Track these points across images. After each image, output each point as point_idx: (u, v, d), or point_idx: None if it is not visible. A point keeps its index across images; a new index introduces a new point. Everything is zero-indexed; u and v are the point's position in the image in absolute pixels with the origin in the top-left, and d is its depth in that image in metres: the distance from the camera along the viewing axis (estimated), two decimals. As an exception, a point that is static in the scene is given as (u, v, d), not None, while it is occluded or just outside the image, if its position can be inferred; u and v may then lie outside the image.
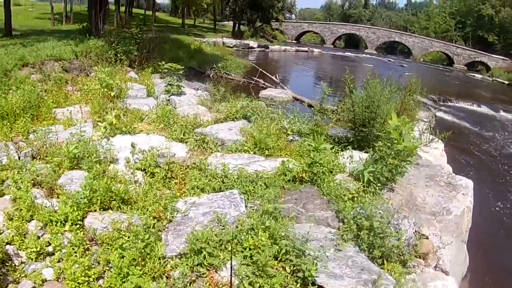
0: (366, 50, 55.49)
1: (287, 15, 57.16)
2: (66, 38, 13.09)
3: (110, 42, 12.04)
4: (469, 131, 15.05)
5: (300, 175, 4.82)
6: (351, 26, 61.18)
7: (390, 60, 44.18)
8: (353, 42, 68.43)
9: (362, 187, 4.55)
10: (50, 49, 10.49)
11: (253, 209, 4.01)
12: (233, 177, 4.62)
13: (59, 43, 11.72)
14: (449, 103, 20.13)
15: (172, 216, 3.79)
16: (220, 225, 3.63)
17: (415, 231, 4.09)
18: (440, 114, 16.04)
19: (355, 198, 4.35)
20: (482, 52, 48.27)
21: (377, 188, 4.53)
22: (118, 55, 11.29)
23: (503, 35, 52.28)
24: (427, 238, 4.15)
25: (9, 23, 15.32)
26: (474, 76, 40.23)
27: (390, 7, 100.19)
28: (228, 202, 4.01)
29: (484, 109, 20.32)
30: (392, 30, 59.37)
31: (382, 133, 5.45)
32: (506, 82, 36.86)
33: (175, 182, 4.58)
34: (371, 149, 5.23)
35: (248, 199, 4.24)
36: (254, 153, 5.57)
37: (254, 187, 4.44)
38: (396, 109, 6.43)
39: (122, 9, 38.39)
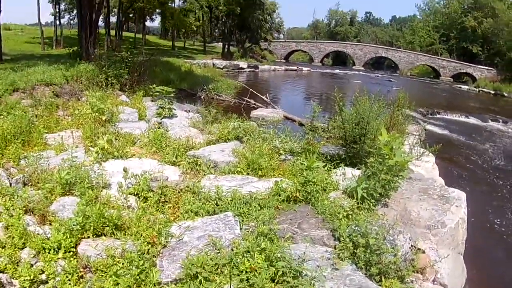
0: (354, 67, 56.58)
1: (276, 35, 58.29)
2: (56, 63, 13.15)
3: (100, 66, 12.12)
4: (459, 142, 15.27)
5: (294, 195, 4.82)
6: (338, 44, 62.56)
7: (378, 76, 45.04)
8: (340, 59, 69.78)
9: (356, 204, 4.56)
10: (40, 74, 10.52)
11: (248, 231, 3.98)
12: (227, 199, 4.60)
13: (50, 68, 11.77)
14: (438, 116, 20.48)
15: (166, 241, 3.75)
16: (216, 249, 3.59)
17: (411, 245, 4.09)
18: (429, 127, 16.29)
19: (350, 216, 4.34)
20: (467, 64, 49.55)
21: (371, 204, 4.55)
22: (109, 79, 11.34)
23: (486, 46, 53.72)
24: (423, 252, 4.15)
25: (-1, 48, 15.36)
26: (460, 87, 41.12)
27: (376, 23, 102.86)
28: (222, 225, 3.98)
29: (472, 120, 20.70)
30: (379, 46, 60.80)
31: (373, 149, 5.51)
32: (492, 92, 37.74)
33: (168, 206, 4.54)
34: (363, 165, 5.27)
35: (242, 221, 4.21)
36: (247, 174, 5.57)
37: (248, 208, 4.42)
38: (386, 125, 6.53)
39: (113, 32, 38.78)
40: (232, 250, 3.59)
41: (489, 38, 51.94)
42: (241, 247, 3.59)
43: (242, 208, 4.42)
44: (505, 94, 36.42)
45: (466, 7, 56.36)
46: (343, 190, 5.03)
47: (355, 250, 3.70)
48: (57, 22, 36.08)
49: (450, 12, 58.08)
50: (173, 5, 47.79)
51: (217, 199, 4.60)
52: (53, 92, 9.83)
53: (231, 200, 4.59)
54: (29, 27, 50.68)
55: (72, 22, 47.43)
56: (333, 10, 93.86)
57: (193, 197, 4.67)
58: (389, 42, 77.24)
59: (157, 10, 48.19)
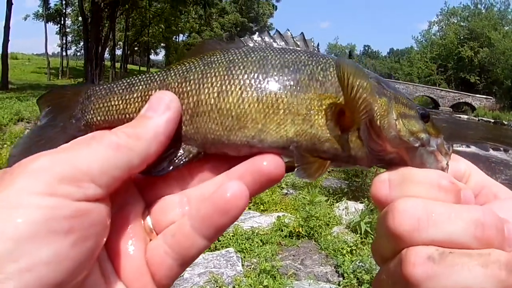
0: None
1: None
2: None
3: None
4: (461, 172, 15.24)
5: (297, 230, 4.79)
6: (338, 76, 63.74)
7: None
8: None
9: (360, 239, 4.51)
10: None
11: (250, 268, 3.93)
12: (229, 235, 4.57)
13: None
14: (439, 145, 20.55)
15: (167, 279, 3.69)
16: (217, 286, 3.55)
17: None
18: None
19: (354, 251, 4.30)
20: (466, 93, 50.24)
21: (375, 239, 4.49)
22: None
23: (484, 75, 54.66)
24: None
25: (5, 77, 15.74)
26: (460, 117, 41.48)
27: (374, 56, 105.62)
28: (224, 261, 3.93)
29: (473, 149, 20.75)
30: (378, 77, 61.95)
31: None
32: (492, 121, 37.98)
33: (170, 242, 4.50)
34: (366, 199, 5.26)
35: (244, 257, 4.16)
36: (249, 208, 5.55)
37: (250, 244, 4.38)
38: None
39: (118, 65, 39.84)
40: (234, 287, 3.54)
41: (486, 67, 53.01)
42: (243, 284, 3.54)
43: (244, 244, 4.38)
44: (505, 123, 36.65)
45: (462, 37, 57.89)
46: (346, 225, 4.99)
47: (359, 287, 3.65)
48: (64, 53, 37.23)
49: (446, 43, 59.61)
50: (177, 39, 49.45)
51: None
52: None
53: (232, 236, 4.55)
54: (36, 57, 52.17)
55: (78, 53, 48.94)
56: (332, 44, 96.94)
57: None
58: (387, 74, 78.89)
59: (162, 44, 49.76)
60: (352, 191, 6.28)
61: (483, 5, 59.00)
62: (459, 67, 58.06)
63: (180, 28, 42.70)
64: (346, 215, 5.23)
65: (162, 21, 37.67)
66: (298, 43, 0.51)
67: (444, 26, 63.09)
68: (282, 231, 4.79)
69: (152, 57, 57.09)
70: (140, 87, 0.49)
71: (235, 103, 0.46)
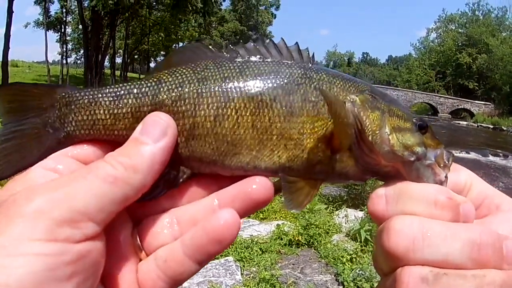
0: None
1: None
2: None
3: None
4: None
5: (296, 238, 4.77)
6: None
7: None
8: None
9: (360, 247, 4.49)
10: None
11: (249, 277, 3.90)
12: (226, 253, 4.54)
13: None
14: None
15: None
16: (216, 296, 3.51)
17: None
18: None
19: (354, 259, 4.28)
20: (464, 99, 50.33)
21: (375, 247, 4.48)
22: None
23: (482, 81, 54.81)
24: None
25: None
26: (459, 123, 41.50)
27: (373, 63, 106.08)
28: (223, 270, 3.90)
29: (472, 155, 20.73)
30: (376, 86, 62.08)
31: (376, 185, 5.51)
32: (491, 127, 37.98)
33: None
34: (365, 207, 5.24)
35: (243, 266, 4.14)
36: (249, 217, 5.53)
37: (249, 253, 4.36)
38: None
39: (118, 73, 39.98)
40: (233, 298, 3.50)
41: (484, 74, 53.16)
42: (242, 294, 3.50)
43: (243, 253, 4.35)
44: (504, 128, 36.66)
45: (460, 44, 58.17)
46: (346, 233, 4.98)
47: (360, 296, 3.61)
48: (64, 61, 37.36)
49: (445, 49, 59.88)
50: (177, 47, 49.57)
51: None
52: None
53: (231, 244, 4.52)
54: (36, 65, 52.35)
55: (78, 61, 49.13)
56: (331, 52, 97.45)
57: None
58: (386, 81, 79.21)
59: (162, 52, 49.98)
60: (351, 198, 6.26)
61: (481, 12, 59.45)
62: (458, 73, 58.23)
63: (180, 37, 42.93)
64: (345, 223, 5.21)
65: (162, 29, 37.90)
66: (293, 54, 0.50)
67: (442, 33, 63.48)
68: (281, 239, 4.77)
69: (152, 65, 57.36)
70: (130, 101, 0.46)
71: (231, 129, 0.45)
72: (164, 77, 0.47)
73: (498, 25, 56.41)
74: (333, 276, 4.09)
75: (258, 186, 0.44)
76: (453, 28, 62.18)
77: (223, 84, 0.46)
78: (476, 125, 39.96)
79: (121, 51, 45.01)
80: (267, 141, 0.45)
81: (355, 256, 4.31)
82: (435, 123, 40.31)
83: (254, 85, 0.46)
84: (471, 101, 49.82)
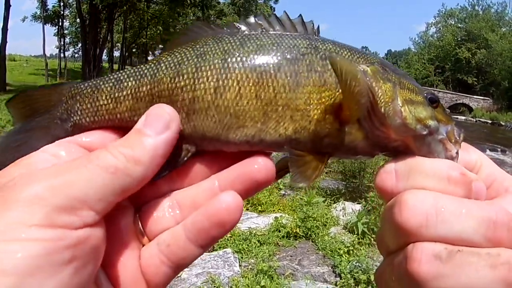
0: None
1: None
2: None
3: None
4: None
5: (294, 231, 4.80)
6: (336, 76, 63.71)
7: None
8: None
9: (357, 239, 4.53)
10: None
11: (247, 268, 3.94)
12: (226, 236, 4.57)
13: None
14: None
15: (164, 279, 3.69)
16: (214, 286, 3.55)
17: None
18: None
19: (351, 251, 4.32)
20: (463, 94, 50.28)
21: (372, 239, 4.52)
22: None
23: (481, 76, 54.77)
24: None
25: (3, 78, 15.73)
26: (457, 118, 41.53)
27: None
28: (221, 262, 3.93)
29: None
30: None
31: (373, 183, 5.54)
32: (490, 122, 38.03)
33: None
34: (363, 200, 5.28)
35: (242, 258, 4.17)
36: (247, 209, 5.56)
37: (247, 245, 4.40)
38: (385, 158, 6.58)
39: (116, 66, 39.78)
40: (231, 287, 3.54)
41: (483, 69, 53.12)
42: (240, 284, 3.55)
43: (242, 245, 4.39)
44: (502, 123, 36.73)
45: (459, 39, 58.03)
46: (343, 225, 5.01)
47: (356, 287, 3.66)
48: (62, 55, 37.18)
49: (444, 44, 59.74)
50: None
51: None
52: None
53: (230, 237, 4.56)
54: (34, 59, 52.04)
55: (76, 55, 48.89)
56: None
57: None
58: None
59: (160, 46, 49.72)
60: (349, 192, 6.30)
61: (481, 7, 59.22)
62: (457, 68, 58.15)
63: (178, 30, 42.72)
64: (343, 216, 5.25)
65: (160, 23, 37.69)
66: (297, 26, 0.48)
67: (441, 28, 63.26)
68: (279, 231, 4.80)
69: (150, 58, 57.10)
70: (130, 83, 0.46)
71: (233, 100, 0.44)
72: (163, 58, 0.47)
73: (498, 20, 56.24)
74: (330, 268, 4.13)
75: (259, 166, 0.43)
76: (453, 23, 61.95)
77: (223, 56, 0.45)
78: (474, 120, 40.02)
79: (119, 44, 44.77)
80: (272, 112, 0.44)
81: (352, 248, 4.35)
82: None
83: (256, 56, 0.45)
84: (470, 96, 49.81)
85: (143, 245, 0.43)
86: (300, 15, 0.49)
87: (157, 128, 0.40)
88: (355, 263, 3.89)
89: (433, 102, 0.46)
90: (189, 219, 0.42)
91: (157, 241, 0.43)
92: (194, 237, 0.41)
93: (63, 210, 0.33)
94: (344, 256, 4.19)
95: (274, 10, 73.95)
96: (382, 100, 0.43)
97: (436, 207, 0.36)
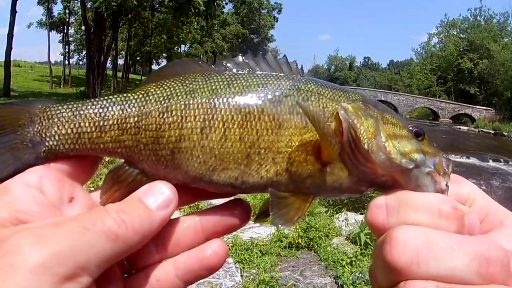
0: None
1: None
2: (63, 102, 13.52)
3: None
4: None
5: (296, 241, 4.78)
6: (338, 87, 63.81)
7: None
8: None
9: (359, 250, 4.50)
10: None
11: (249, 279, 3.91)
12: (228, 245, 4.55)
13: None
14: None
15: (165, 289, 3.67)
16: (216, 297, 3.51)
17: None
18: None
19: (353, 262, 4.28)
20: (466, 105, 50.29)
21: (375, 250, 4.49)
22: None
23: (483, 86, 54.77)
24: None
25: (8, 84, 15.85)
26: (460, 128, 41.44)
27: (374, 68, 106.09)
28: (223, 272, 3.90)
29: (473, 160, 20.71)
30: (378, 90, 62.06)
31: (375, 193, 5.52)
32: (492, 132, 37.91)
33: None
34: (366, 210, 5.26)
35: (243, 268, 4.14)
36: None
37: (249, 255, 4.37)
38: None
39: (119, 74, 40.06)
40: (233, 299, 3.51)
41: (485, 79, 53.15)
42: (242, 296, 3.51)
43: (243, 255, 4.36)
44: (505, 134, 36.60)
45: (461, 49, 58.19)
46: (346, 236, 4.98)
47: (359, 300, 3.62)
48: (66, 62, 37.52)
49: (446, 54, 59.91)
50: (179, 50, 49.76)
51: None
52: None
53: (232, 246, 4.53)
54: (39, 65, 52.45)
55: (81, 62, 49.29)
56: (333, 56, 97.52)
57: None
58: (387, 86, 79.16)
59: (164, 54, 50.10)
60: (352, 202, 6.27)
61: (483, 17, 59.53)
62: (459, 78, 58.21)
63: (182, 39, 43.05)
64: (345, 226, 5.22)
65: (164, 31, 38.00)
66: (282, 66, 0.49)
67: (443, 38, 63.55)
68: (281, 242, 4.78)
69: (154, 67, 57.44)
70: (116, 112, 0.45)
71: (218, 142, 0.44)
72: (151, 90, 0.46)
73: (500, 30, 56.48)
74: (332, 279, 4.10)
75: (237, 214, 0.47)
76: (455, 33, 62.26)
77: (211, 96, 0.45)
78: (477, 130, 39.90)
79: (123, 52, 45.11)
80: (254, 155, 0.44)
81: (355, 259, 4.32)
82: (437, 128, 40.28)
83: (242, 97, 0.45)
84: (472, 106, 49.79)
85: (126, 275, 0.46)
86: (285, 55, 0.51)
87: (158, 203, 0.42)
88: (358, 274, 3.86)
89: (418, 135, 0.46)
90: (180, 259, 0.45)
91: (145, 275, 0.45)
92: (182, 275, 0.45)
93: (67, 278, 0.34)
94: (346, 267, 4.16)
95: (277, 21, 74.51)
96: (365, 136, 0.43)
97: (427, 244, 0.35)
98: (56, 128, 0.44)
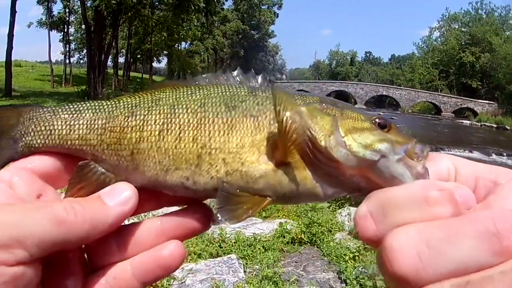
0: (356, 105, 57.12)
1: (278, 76, 60.09)
2: (65, 101, 13.57)
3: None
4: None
5: (299, 236, 4.78)
6: (339, 83, 63.90)
7: (380, 114, 45.58)
8: (342, 99, 69.50)
9: (362, 245, 4.49)
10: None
11: (252, 275, 3.92)
12: (231, 241, 4.56)
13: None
14: (441, 152, 20.50)
15: (168, 284, 3.67)
16: (219, 293, 3.52)
17: None
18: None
19: (356, 257, 4.28)
20: (468, 99, 50.18)
21: (378, 245, 4.49)
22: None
23: (486, 80, 54.62)
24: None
25: (9, 84, 15.91)
26: (462, 122, 41.34)
27: (375, 63, 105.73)
28: (226, 267, 3.92)
29: (476, 155, 20.67)
30: (379, 85, 62.02)
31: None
32: (495, 126, 37.82)
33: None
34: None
35: (246, 264, 4.15)
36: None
37: (252, 251, 4.38)
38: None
39: (120, 72, 40.10)
40: (236, 294, 3.52)
41: (487, 73, 53.00)
42: (245, 291, 3.52)
43: (246, 251, 4.37)
44: (508, 128, 36.50)
45: (463, 43, 58.00)
46: (348, 231, 4.98)
47: (362, 294, 3.63)
48: (67, 61, 37.55)
49: (448, 48, 59.72)
50: (179, 47, 49.76)
51: (220, 241, 4.56)
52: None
53: (234, 242, 4.55)
54: (40, 65, 52.55)
55: (81, 61, 49.35)
56: (334, 51, 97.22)
57: (196, 239, 4.62)
58: (389, 81, 79.00)
59: (164, 52, 50.12)
60: (354, 197, 6.27)
61: (484, 11, 59.28)
62: (461, 72, 58.05)
63: (182, 36, 43.02)
64: (348, 221, 5.22)
65: (164, 29, 37.98)
66: (249, 79, 0.51)
67: (445, 32, 63.33)
68: (284, 237, 4.78)
69: (154, 64, 57.55)
70: (87, 115, 0.49)
71: (173, 143, 0.46)
72: (124, 98, 0.51)
73: (502, 24, 56.27)
74: (335, 274, 4.10)
75: (198, 218, 0.47)
76: (456, 27, 62.05)
77: (173, 103, 0.48)
78: (479, 124, 39.82)
79: (124, 50, 45.16)
80: (205, 155, 0.45)
81: (358, 254, 4.32)
82: (438, 122, 40.18)
83: (200, 102, 0.48)
84: (475, 100, 49.68)
85: (86, 274, 0.46)
86: (252, 69, 0.53)
87: (115, 199, 0.43)
88: (361, 269, 3.87)
89: (383, 126, 0.44)
90: (137, 258, 0.45)
91: (103, 272, 0.45)
92: (139, 274, 0.45)
93: (2, 246, 0.35)
94: (349, 262, 4.16)
95: (277, 16, 74.31)
96: (321, 134, 0.42)
97: (424, 242, 0.31)
98: (33, 126, 0.49)
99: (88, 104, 0.50)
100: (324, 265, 4.28)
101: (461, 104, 49.90)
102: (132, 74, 48.15)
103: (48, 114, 0.49)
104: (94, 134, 0.48)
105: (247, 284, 3.68)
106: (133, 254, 0.46)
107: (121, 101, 0.50)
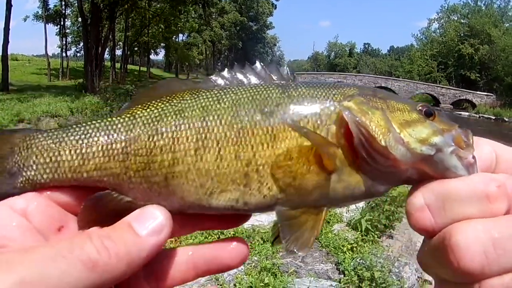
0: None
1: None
2: (62, 94, 13.54)
3: (105, 98, 12.47)
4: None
5: (297, 227, 4.80)
6: (338, 75, 63.52)
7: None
8: None
9: (360, 236, 4.53)
10: (46, 105, 10.82)
11: (251, 266, 3.94)
12: (229, 233, 4.57)
13: (55, 99, 12.11)
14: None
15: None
16: (218, 284, 3.56)
17: (418, 277, 4.04)
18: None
19: (354, 248, 4.32)
20: (466, 90, 50.07)
21: (376, 236, 4.51)
22: (114, 112, 11.59)
23: (484, 72, 54.50)
24: (431, 283, 4.07)
25: (6, 78, 15.80)
26: (461, 114, 41.34)
27: (374, 54, 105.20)
28: (225, 259, 3.94)
29: (474, 147, 20.71)
30: (378, 76, 61.72)
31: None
32: (493, 118, 37.85)
33: (170, 240, 4.51)
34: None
35: (245, 255, 4.18)
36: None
37: (251, 242, 4.40)
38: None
39: (118, 65, 39.83)
40: (235, 285, 3.55)
41: (486, 64, 52.84)
42: (244, 282, 3.55)
43: (245, 242, 4.39)
44: (506, 119, 36.54)
45: (462, 35, 57.71)
46: (347, 222, 5.01)
47: (360, 284, 3.66)
48: (64, 54, 37.22)
49: (446, 40, 59.41)
50: (177, 39, 49.41)
51: (219, 233, 4.57)
52: (58, 123, 10.06)
53: (233, 234, 4.55)
54: (36, 58, 52.13)
55: (78, 54, 48.97)
56: (332, 43, 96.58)
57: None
58: (388, 72, 78.67)
59: (162, 44, 49.77)
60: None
61: (483, 2, 58.84)
62: (460, 64, 57.86)
63: (180, 28, 42.68)
64: (346, 213, 5.24)
65: (161, 21, 37.69)
66: (272, 75, 0.47)
67: (444, 24, 62.94)
68: (282, 229, 4.81)
69: (152, 57, 57.18)
70: (101, 138, 0.42)
71: (214, 162, 0.41)
72: (138, 112, 0.44)
73: (501, 15, 55.93)
74: (334, 265, 4.13)
75: (232, 252, 0.44)
76: (455, 18, 61.64)
77: (201, 114, 0.42)
78: (478, 116, 39.83)
79: (121, 43, 44.80)
80: (253, 173, 0.41)
81: (356, 245, 4.35)
82: (437, 114, 40.06)
83: (232, 111, 0.42)
84: (473, 92, 49.59)
85: None
86: (274, 62, 0.49)
87: (148, 229, 0.38)
88: (359, 260, 3.90)
89: (429, 115, 0.42)
90: None
91: None
92: None
93: None
94: (347, 253, 4.20)
95: (275, 7, 73.75)
96: (379, 133, 0.39)
97: (491, 240, 0.32)
98: (34, 158, 0.41)
99: (98, 125, 0.43)
100: (323, 256, 4.31)
101: (459, 96, 49.83)
102: (129, 66, 47.82)
103: (51, 141, 0.42)
104: (115, 162, 0.41)
105: (246, 275, 3.70)
106: (160, 286, 0.42)
107: (137, 116, 0.43)
